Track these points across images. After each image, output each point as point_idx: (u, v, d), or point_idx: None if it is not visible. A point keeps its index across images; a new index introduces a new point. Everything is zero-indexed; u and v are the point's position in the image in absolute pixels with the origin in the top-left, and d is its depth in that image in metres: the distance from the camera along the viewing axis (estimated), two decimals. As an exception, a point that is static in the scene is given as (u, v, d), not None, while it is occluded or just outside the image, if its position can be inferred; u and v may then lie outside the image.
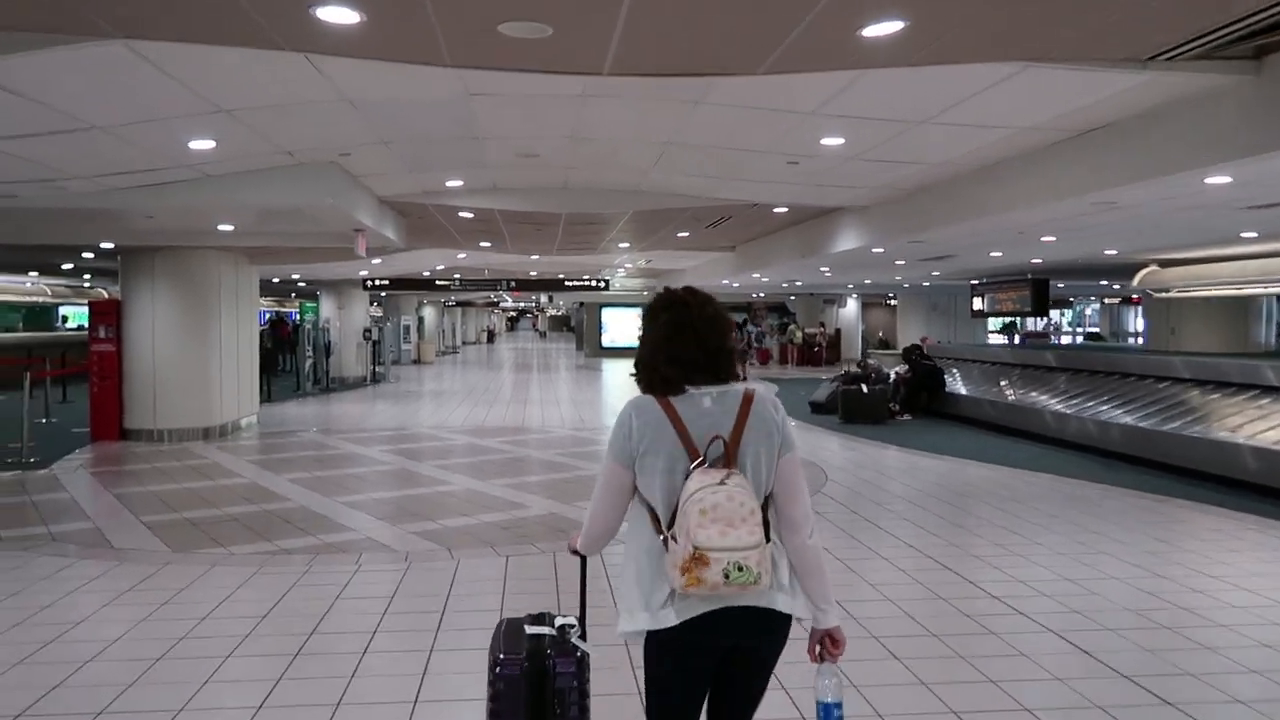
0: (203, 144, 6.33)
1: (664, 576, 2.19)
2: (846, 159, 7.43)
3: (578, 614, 2.68)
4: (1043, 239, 10.55)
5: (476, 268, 20.90)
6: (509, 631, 2.62)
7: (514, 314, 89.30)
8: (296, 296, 38.97)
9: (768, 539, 2.17)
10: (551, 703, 2.49)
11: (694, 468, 2.18)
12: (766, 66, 4.79)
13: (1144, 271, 16.36)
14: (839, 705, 2.28)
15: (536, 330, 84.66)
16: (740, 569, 2.07)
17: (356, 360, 24.11)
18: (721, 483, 2.12)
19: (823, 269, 16.77)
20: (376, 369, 24.45)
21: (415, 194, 9.04)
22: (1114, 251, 12.66)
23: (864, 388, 15.06)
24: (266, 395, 18.21)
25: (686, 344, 2.29)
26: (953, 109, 5.78)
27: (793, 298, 36.29)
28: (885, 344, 29.97)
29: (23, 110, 5.18)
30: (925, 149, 7.04)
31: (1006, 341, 26.97)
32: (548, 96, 5.72)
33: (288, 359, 25.52)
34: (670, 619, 2.19)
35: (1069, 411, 12.25)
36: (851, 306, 35.84)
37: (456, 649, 4.65)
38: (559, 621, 2.61)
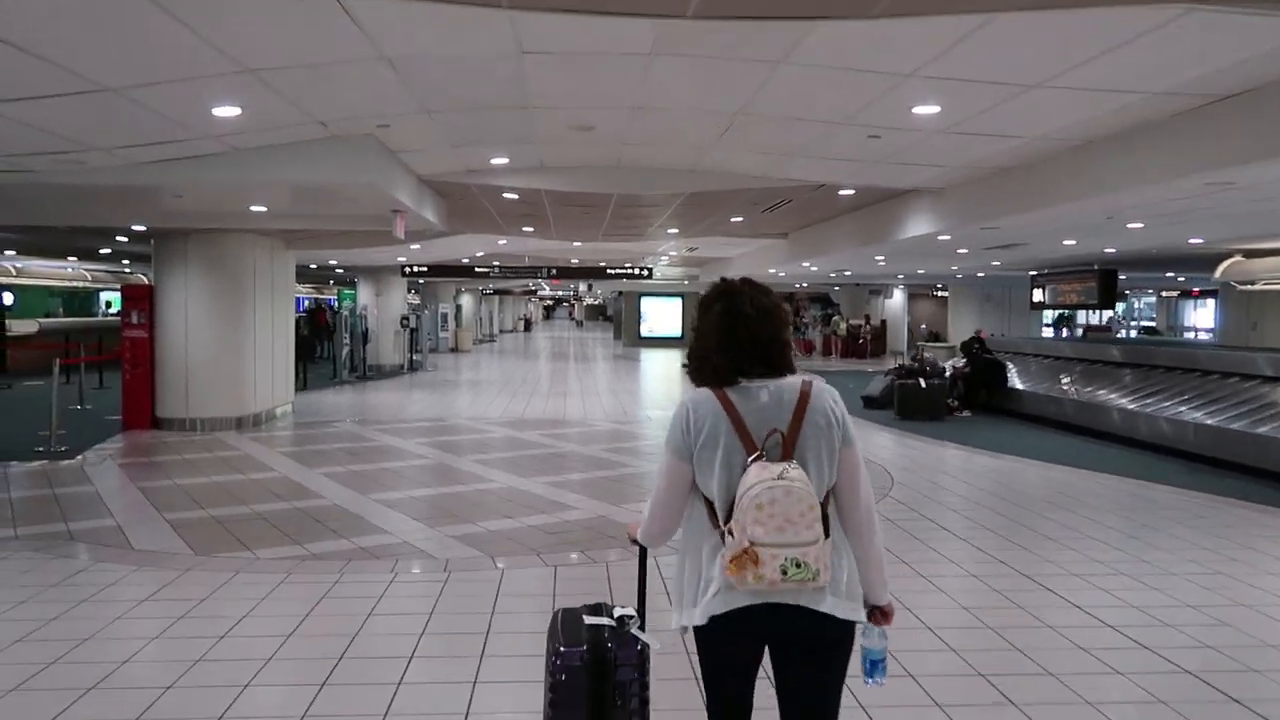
0: (227, 110, 5.77)
1: (718, 570, 2.17)
2: (936, 132, 6.71)
3: (636, 604, 2.66)
4: (1130, 225, 9.75)
5: (517, 254, 20.37)
6: (567, 622, 2.57)
7: (550, 303, 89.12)
8: (334, 283, 38.79)
9: (826, 534, 2.12)
10: (612, 695, 2.45)
11: (751, 462, 2.14)
12: (884, 6, 4.11)
13: (1228, 262, 15.41)
14: (884, 659, 2.41)
15: (573, 319, 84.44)
16: (799, 565, 2.05)
17: (394, 348, 23.71)
18: (779, 477, 2.08)
19: (878, 258, 16.00)
20: (414, 357, 24.07)
21: (457, 173, 8.46)
22: (1199, 240, 11.80)
23: (921, 382, 14.31)
24: (302, 383, 17.87)
25: (740, 334, 2.26)
26: (1080, 68, 5.02)
27: (837, 288, 35.41)
28: (935, 336, 29.03)
29: (21, 66, 4.64)
30: (1031, 119, 6.25)
31: (1063, 335, 25.98)
32: (610, 55, 5.08)
33: (325, 346, 25.23)
34: (716, 609, 2.18)
35: (1141, 409, 11.45)
36: (898, 297, 34.84)
37: (504, 681, 4.07)
38: (618, 612, 2.55)
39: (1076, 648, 4.47)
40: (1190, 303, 37.32)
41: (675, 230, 13.36)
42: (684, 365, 2.43)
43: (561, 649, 2.47)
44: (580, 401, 16.16)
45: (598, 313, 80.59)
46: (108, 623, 4.75)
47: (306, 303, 40.98)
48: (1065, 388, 13.96)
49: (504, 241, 16.64)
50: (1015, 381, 15.24)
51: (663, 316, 38.39)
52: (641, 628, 2.55)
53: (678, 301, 38.17)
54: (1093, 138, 6.79)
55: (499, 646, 4.46)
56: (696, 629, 2.25)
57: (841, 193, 9.66)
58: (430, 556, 6.10)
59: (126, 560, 5.95)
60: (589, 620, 2.56)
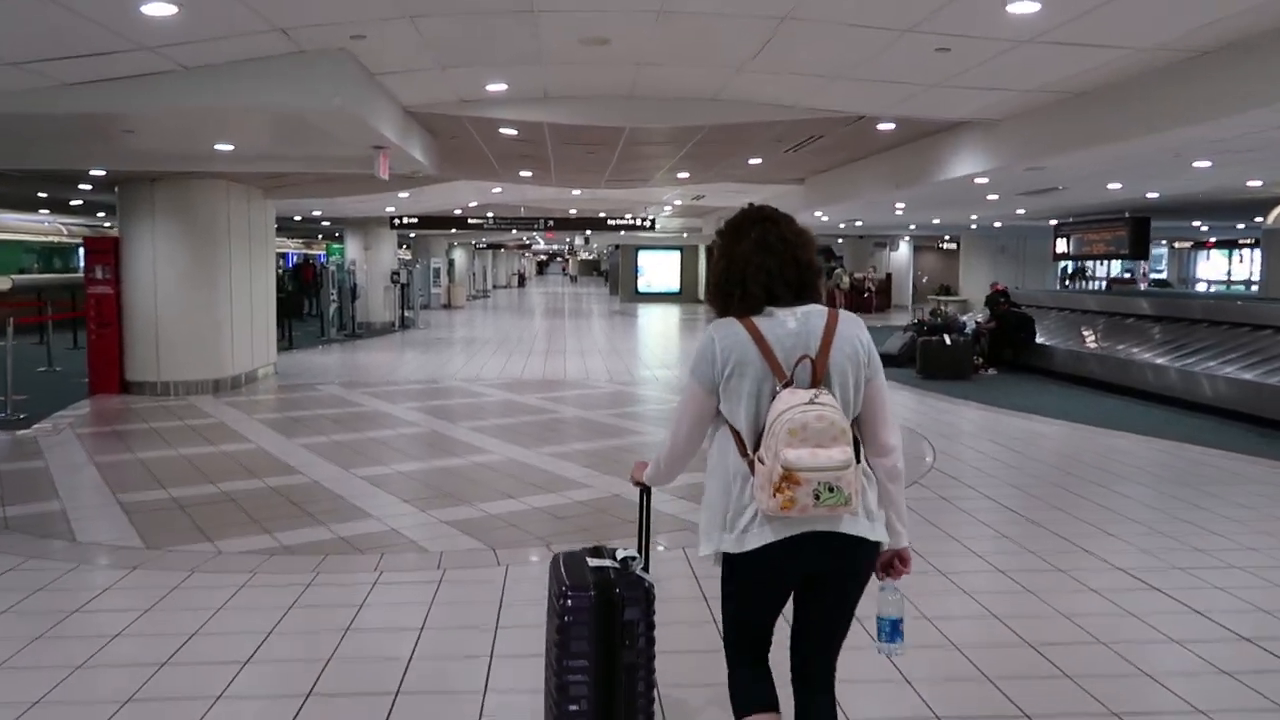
0: (160, 8, 4.73)
1: (749, 499, 2.15)
2: (1023, 42, 5.67)
3: (637, 544, 2.64)
4: (1196, 164, 8.79)
5: (512, 204, 19.30)
6: (570, 564, 2.59)
7: (544, 258, 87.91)
8: (322, 237, 37.63)
9: (858, 460, 2.12)
10: (620, 635, 2.47)
11: (781, 389, 2.11)
12: None
13: (1281, 208, 14.41)
14: (900, 620, 2.34)
15: (566, 274, 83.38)
16: (831, 490, 2.03)
17: (384, 305, 22.77)
18: (811, 402, 2.05)
19: (899, 206, 15.03)
20: (405, 314, 23.12)
21: (449, 103, 7.44)
22: (1258, 183, 10.85)
23: (946, 339, 13.42)
24: (288, 343, 16.97)
25: (783, 258, 2.22)
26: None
27: (840, 240, 34.37)
28: (946, 290, 28.08)
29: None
30: (1145, 22, 5.22)
31: (1077, 287, 25.06)
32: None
33: (312, 303, 24.25)
34: (752, 542, 2.15)
35: (1190, 368, 10.61)
36: (904, 250, 33.90)
37: (514, 728, 3.22)
38: (620, 554, 2.57)
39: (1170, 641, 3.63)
40: (1203, 254, 36.40)
41: (685, 175, 12.34)
42: (709, 295, 2.34)
43: (569, 591, 2.46)
44: (580, 360, 15.26)
45: (591, 268, 79.50)
46: (24, 644, 3.87)
47: (295, 258, 39.93)
48: (1094, 344, 13.10)
49: (499, 190, 15.60)
50: (1040, 337, 14.39)
51: (661, 271, 37.36)
52: (645, 568, 2.56)
53: (676, 255, 37.13)
54: (1208, 47, 5.75)
55: (506, 677, 3.60)
56: (731, 558, 2.21)
57: (880, 127, 8.65)
58: (422, 549, 5.23)
59: (66, 556, 5.07)
60: (593, 562, 2.55)
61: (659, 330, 23.17)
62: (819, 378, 2.12)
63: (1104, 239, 16.54)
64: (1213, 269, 34.21)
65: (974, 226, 22.19)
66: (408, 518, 5.85)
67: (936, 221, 19.97)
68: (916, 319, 15.99)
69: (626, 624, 2.47)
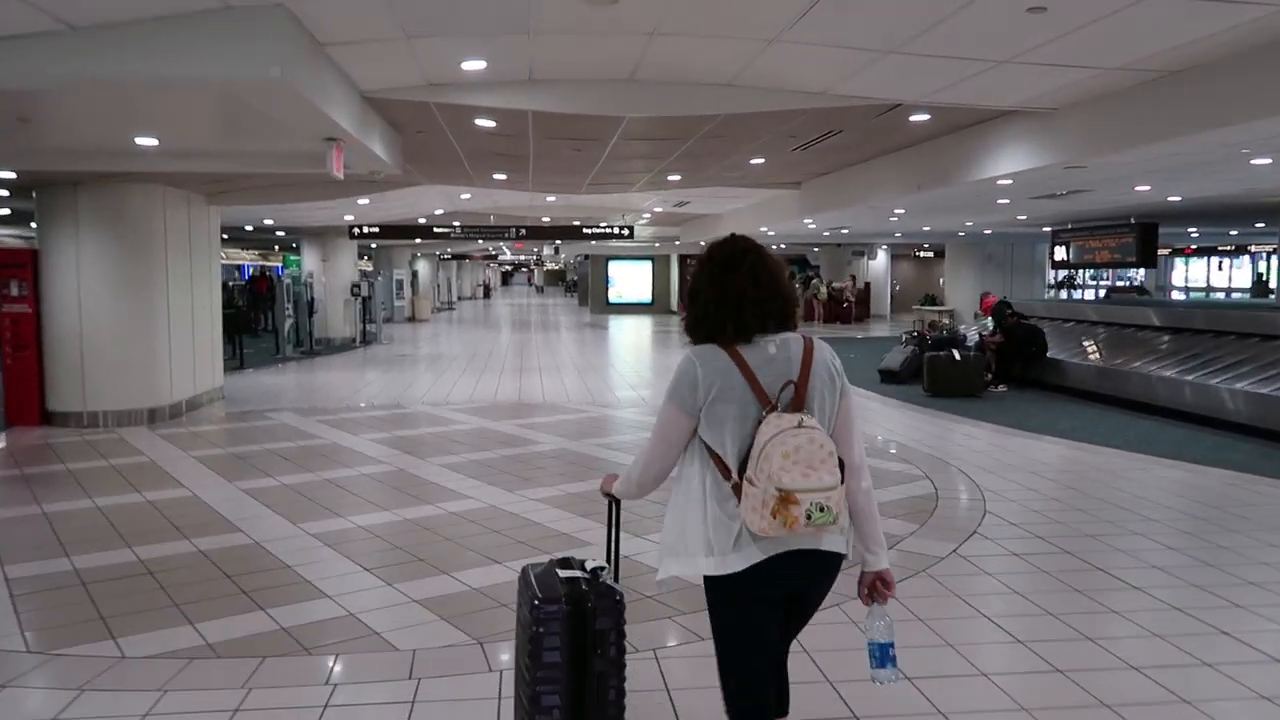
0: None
1: (731, 521, 2.20)
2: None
3: (606, 554, 2.75)
4: (1255, 161, 7.87)
5: (480, 212, 18.11)
6: (540, 576, 2.62)
7: (509, 268, 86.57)
8: (279, 249, 36.07)
9: (842, 480, 2.18)
10: (592, 644, 2.50)
11: (767, 414, 2.17)
12: None
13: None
14: (891, 644, 2.33)
15: (533, 285, 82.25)
16: (822, 509, 2.09)
17: (344, 319, 21.44)
18: (799, 426, 2.13)
19: (897, 211, 14.07)
20: (367, 329, 21.81)
21: (415, 87, 6.27)
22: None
23: (955, 354, 12.47)
24: (238, 362, 15.64)
25: (768, 292, 2.29)
26: None
27: (816, 249, 33.53)
28: (932, 299, 27.26)
29: None
30: None
31: (1067, 296, 24.38)
32: None
33: (267, 318, 22.85)
34: (739, 563, 2.19)
35: (1227, 385, 9.75)
36: (881, 259, 33.13)
37: None
38: (590, 565, 2.61)
39: None
40: (1178, 261, 36.11)
41: (676, 178, 11.26)
42: (693, 324, 2.35)
43: (541, 602, 2.48)
44: (557, 380, 14.10)
45: (556, 278, 78.39)
46: None
47: (252, 271, 38.29)
48: (1119, 359, 12.22)
49: (467, 196, 14.43)
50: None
51: (632, 281, 36.31)
52: (615, 578, 2.63)
53: (648, 265, 36.09)
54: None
55: None
56: (718, 582, 2.24)
57: (914, 118, 7.61)
58: (388, 644, 4.07)
59: (-86, 666, 3.85)
60: (563, 574, 2.58)
61: (634, 343, 22.07)
62: (801, 402, 2.21)
63: (1108, 246, 15.71)
64: (1194, 276, 33.82)
65: (961, 234, 21.37)
66: (370, 595, 4.68)
67: (927, 229, 19.09)
68: (915, 332, 15.06)
69: (598, 633, 2.51)
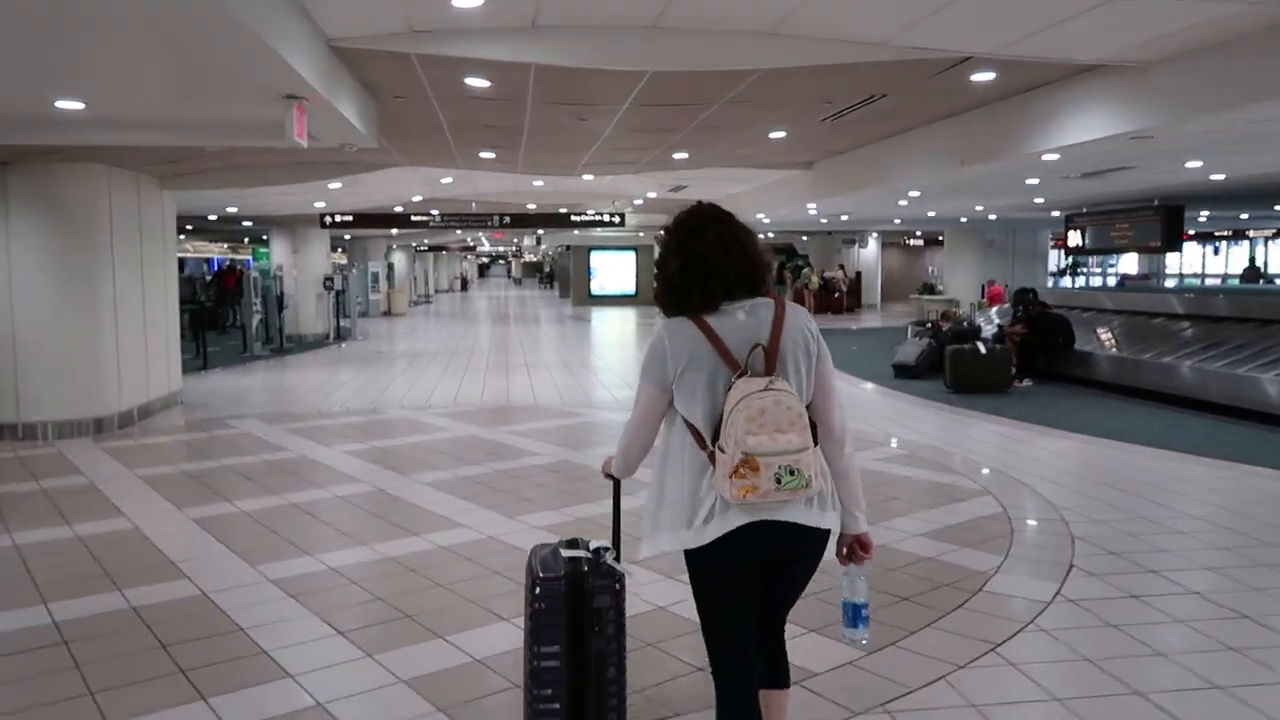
0: None
1: (707, 492, 2.19)
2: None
3: (611, 537, 2.78)
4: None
5: (462, 199, 16.97)
6: (545, 556, 2.69)
7: (486, 260, 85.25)
8: (249, 240, 34.67)
9: (815, 443, 2.18)
10: (590, 622, 2.55)
11: (736, 379, 2.16)
12: None
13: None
14: (866, 605, 2.39)
15: (511, 277, 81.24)
16: (792, 473, 2.08)
17: (317, 314, 20.26)
18: (766, 389, 2.10)
19: (911, 194, 13.12)
20: (341, 324, 20.65)
21: (395, 34, 5.13)
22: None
23: (981, 347, 11.55)
24: (202, 361, 14.48)
25: (738, 256, 2.27)
26: None
27: (805, 237, 32.60)
28: (930, 288, 26.37)
29: None
30: None
31: (1073, 285, 23.59)
32: None
33: (236, 314, 21.62)
34: (712, 533, 2.19)
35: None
36: (872, 247, 32.27)
37: None
38: (594, 545, 2.67)
39: None
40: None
41: (684, 155, 10.18)
42: (662, 295, 2.35)
43: (541, 576, 2.57)
44: (547, 378, 13.06)
45: (534, 269, 77.32)
46: None
47: (223, 264, 36.82)
48: (1157, 351, 11.36)
49: (448, 180, 13.32)
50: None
51: (615, 272, 35.22)
52: (617, 559, 2.64)
53: (631, 256, 35.02)
54: None
55: None
56: (695, 554, 2.25)
57: (978, 77, 6.59)
58: (370, 756, 3.05)
59: None
60: (566, 553, 2.64)
61: (620, 337, 21.04)
62: (773, 365, 2.18)
63: (1127, 231, 14.85)
64: (1189, 262, 33.16)
65: (964, 220, 20.48)
66: (344, 673, 3.65)
67: (932, 214, 18.15)
68: (929, 323, 14.16)
69: (596, 611, 2.55)
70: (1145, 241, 14.57)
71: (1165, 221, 14.01)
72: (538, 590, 2.54)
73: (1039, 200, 14.33)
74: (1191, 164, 9.30)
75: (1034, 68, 6.24)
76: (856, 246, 31.84)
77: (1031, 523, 5.74)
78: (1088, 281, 26.42)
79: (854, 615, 2.37)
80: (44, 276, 8.74)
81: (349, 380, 13.12)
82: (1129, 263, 32.94)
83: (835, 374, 2.34)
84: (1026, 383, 11.94)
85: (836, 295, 29.47)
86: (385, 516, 5.93)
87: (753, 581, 2.27)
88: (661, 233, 2.43)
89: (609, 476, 2.65)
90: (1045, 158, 8.33)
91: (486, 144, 9.28)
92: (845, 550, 2.38)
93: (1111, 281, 30.30)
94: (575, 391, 11.73)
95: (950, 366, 11.51)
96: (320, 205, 15.90)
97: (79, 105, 5.66)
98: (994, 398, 10.99)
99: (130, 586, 4.63)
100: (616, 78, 6.00)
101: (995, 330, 13.13)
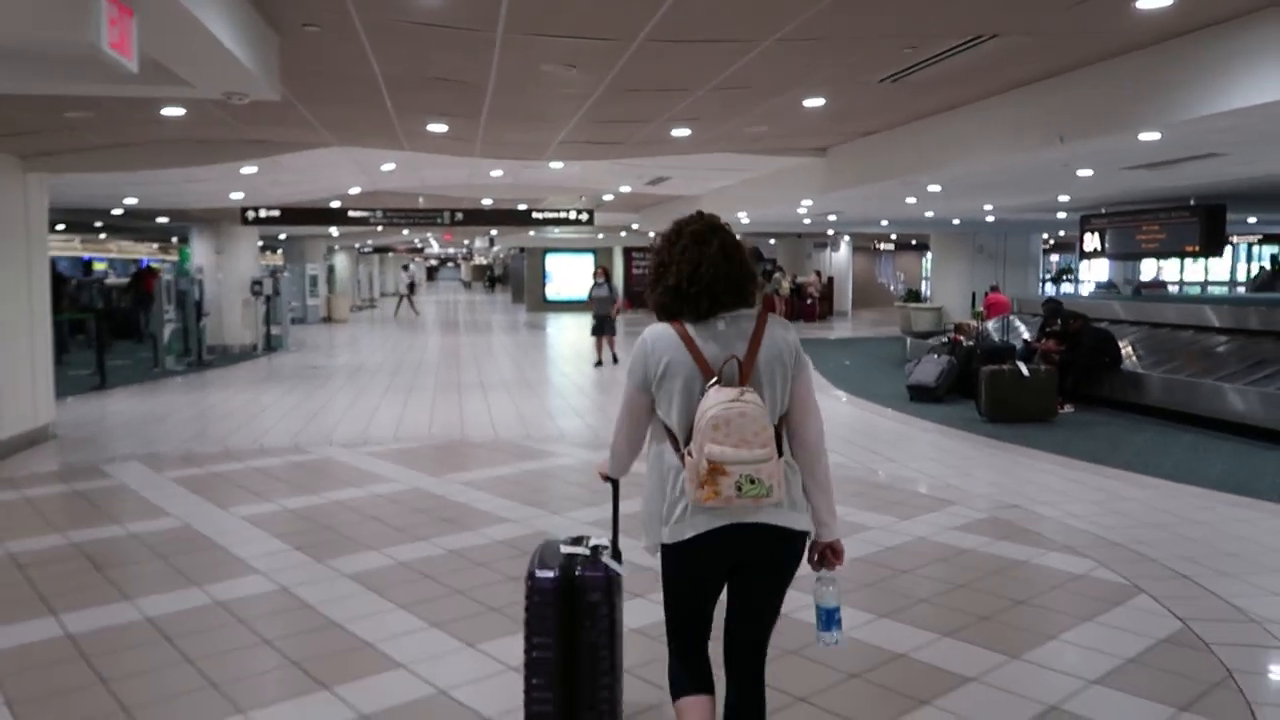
0: None
1: (680, 494, 2.26)
2: None
3: (610, 536, 2.81)
4: None
5: (408, 193, 14.89)
6: (546, 551, 2.79)
7: (434, 263, 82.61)
8: (178, 240, 32.02)
9: (780, 454, 2.22)
10: (581, 617, 2.64)
11: (709, 386, 2.22)
12: None
13: None
14: (838, 609, 2.45)
15: (461, 281, 79.07)
16: (752, 481, 2.12)
17: (244, 322, 18.01)
18: (734, 400, 2.15)
19: (930, 189, 11.40)
20: (271, 333, 18.42)
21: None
22: None
23: (1023, 368, 9.85)
24: (99, 380, 12.26)
25: (733, 268, 2.32)
26: None
27: (772, 240, 30.97)
28: (914, 295, 24.84)
29: None
30: None
31: (1071, 292, 22.20)
32: None
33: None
34: (684, 532, 2.26)
35: None
36: (844, 251, 30.75)
37: None
38: (593, 542, 2.76)
39: None
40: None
41: (685, 132, 8.22)
42: (661, 299, 2.37)
43: (536, 571, 2.68)
44: (507, 402, 11.08)
45: (483, 273, 75.16)
46: None
47: (145, 265, 34.12)
48: (1221, 372, 9.76)
49: (390, 167, 11.29)
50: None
51: (572, 276, 33.30)
52: (614, 557, 2.72)
53: (589, 259, 33.12)
54: None
55: None
56: (665, 549, 2.34)
57: (1146, 5, 4.70)
58: None
59: None
60: (565, 550, 2.75)
61: (584, 349, 19.09)
62: (746, 377, 2.24)
63: (1158, 234, 13.32)
64: (1166, 271, 32.06)
65: (956, 222, 18.94)
66: None
67: (930, 214, 16.52)
68: (948, 338, 12.46)
69: (589, 605, 2.64)
70: (1179, 245, 13.07)
71: (1205, 223, 12.50)
72: (531, 584, 2.67)
73: (1064, 198, 12.73)
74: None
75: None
76: (829, 250, 30.28)
77: (1218, 641, 3.92)
78: (1076, 289, 25.07)
79: (827, 620, 2.43)
80: None
81: (272, 404, 11.00)
82: (1123, 269, 31.80)
83: (814, 387, 2.39)
84: (1068, 408, 10.29)
85: (809, 302, 27.86)
86: (306, 644, 3.94)
87: (717, 581, 2.38)
88: (658, 240, 2.43)
89: (606, 478, 2.68)
90: (1144, 137, 6.58)
91: (437, 110, 7.18)
92: (817, 557, 2.44)
93: (1110, 288, 29.00)
94: (542, 420, 9.79)
95: (988, 391, 9.78)
96: (238, 196, 13.70)
97: None
98: (1040, 428, 9.33)
99: None
100: (611, 30, 4.01)
101: (1021, 347, 11.50)
